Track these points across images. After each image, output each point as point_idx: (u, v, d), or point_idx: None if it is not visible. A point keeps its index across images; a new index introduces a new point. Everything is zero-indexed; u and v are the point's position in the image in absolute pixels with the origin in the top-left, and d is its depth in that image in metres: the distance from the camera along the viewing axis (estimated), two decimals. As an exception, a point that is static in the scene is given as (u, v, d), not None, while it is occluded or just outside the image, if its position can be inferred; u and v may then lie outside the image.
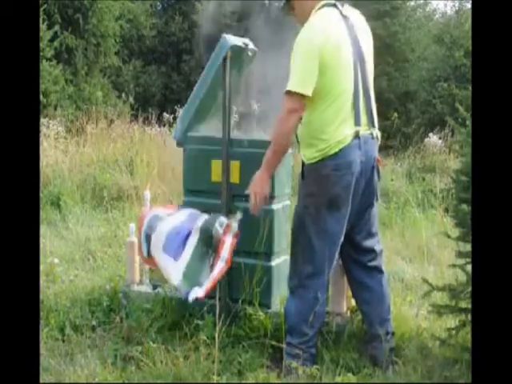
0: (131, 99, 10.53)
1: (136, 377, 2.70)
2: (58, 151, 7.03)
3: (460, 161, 2.76)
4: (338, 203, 2.69)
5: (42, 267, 3.48)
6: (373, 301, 2.86)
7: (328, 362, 2.75)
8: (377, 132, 2.81)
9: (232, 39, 3.11)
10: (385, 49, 10.94)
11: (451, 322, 2.77)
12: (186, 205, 3.28)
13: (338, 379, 2.59)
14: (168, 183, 6.29)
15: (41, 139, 6.73)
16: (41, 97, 8.45)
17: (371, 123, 2.77)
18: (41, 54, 8.73)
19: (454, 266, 2.64)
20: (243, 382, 2.67)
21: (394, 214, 5.95)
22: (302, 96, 2.61)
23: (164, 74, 13.82)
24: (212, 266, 2.65)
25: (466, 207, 2.53)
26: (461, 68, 10.68)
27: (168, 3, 15.27)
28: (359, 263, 2.87)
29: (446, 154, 8.10)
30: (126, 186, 6.22)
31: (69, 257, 4.38)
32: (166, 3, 15.41)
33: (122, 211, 5.73)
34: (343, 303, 3.05)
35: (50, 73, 9.15)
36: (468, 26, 10.62)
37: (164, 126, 8.79)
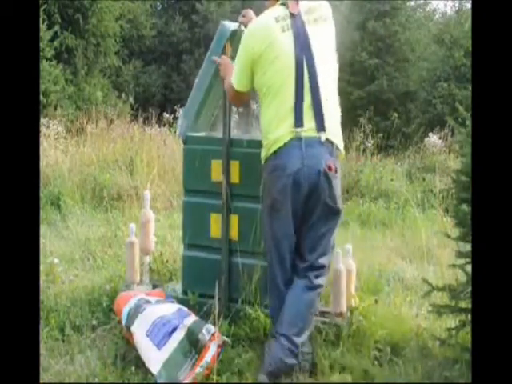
0: (131, 99, 10.52)
1: (136, 377, 2.71)
2: (58, 151, 7.02)
3: (460, 161, 2.76)
4: (276, 206, 2.67)
5: (42, 267, 3.48)
6: (290, 300, 2.71)
7: (327, 361, 2.75)
8: (328, 137, 2.63)
9: (231, 25, 3.10)
10: (385, 49, 10.96)
11: (451, 322, 2.78)
12: (186, 205, 3.29)
13: (337, 379, 2.60)
14: (168, 183, 6.29)
15: (41, 139, 6.73)
16: (41, 97, 8.45)
17: (320, 127, 2.62)
18: (41, 53, 8.74)
19: (454, 265, 2.64)
20: (243, 382, 2.67)
21: (394, 214, 5.95)
22: (236, 89, 2.80)
23: (164, 73, 13.83)
24: (193, 366, 2.66)
25: (466, 207, 2.53)
26: (461, 68, 10.69)
27: (168, 3, 15.28)
28: (296, 266, 2.76)
29: (446, 153, 8.10)
30: (126, 186, 6.21)
31: (69, 257, 4.38)
32: (165, 3, 15.43)
33: (122, 211, 5.72)
34: (343, 303, 3.05)
35: (49, 73, 9.15)
36: (468, 26, 10.62)
37: (164, 125, 8.78)
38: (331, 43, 2.78)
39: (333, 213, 2.69)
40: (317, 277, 2.72)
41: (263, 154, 2.74)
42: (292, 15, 2.69)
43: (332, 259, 2.89)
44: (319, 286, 2.74)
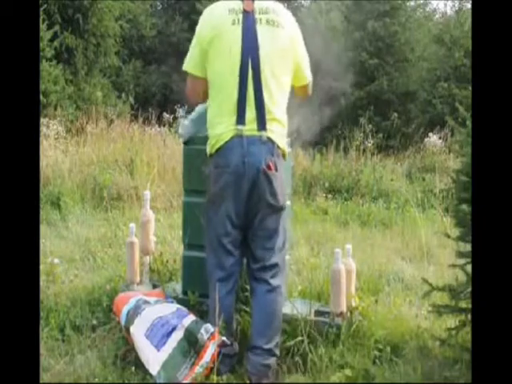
0: (131, 99, 10.52)
1: (136, 377, 2.71)
2: (58, 151, 7.03)
3: (460, 161, 2.76)
4: (216, 201, 2.70)
5: (41, 267, 3.48)
6: (255, 308, 2.76)
7: (327, 361, 2.75)
8: (269, 136, 2.66)
9: None
10: (385, 49, 10.96)
11: (451, 321, 2.78)
12: (186, 205, 3.29)
13: (336, 378, 2.60)
14: (168, 183, 6.29)
15: (41, 139, 6.73)
16: (41, 97, 8.45)
17: (262, 126, 2.65)
18: (41, 53, 8.73)
19: (454, 266, 2.64)
20: (244, 382, 2.67)
21: (394, 214, 5.96)
22: (187, 72, 2.80)
23: (164, 73, 13.82)
24: (193, 366, 2.66)
25: (466, 207, 2.53)
26: (461, 68, 10.69)
27: (168, 3, 15.27)
28: (250, 268, 2.80)
29: (446, 154, 8.12)
30: (126, 186, 6.22)
31: (69, 257, 4.38)
32: (165, 3, 15.42)
33: (122, 211, 5.73)
34: (343, 303, 3.05)
35: (49, 73, 9.15)
36: (468, 26, 10.64)
37: (164, 125, 8.79)
38: (284, 48, 2.71)
39: (276, 210, 2.71)
40: (273, 277, 2.73)
41: (208, 148, 2.75)
42: (245, 11, 2.69)
43: (333, 259, 2.89)
44: (278, 286, 2.74)
